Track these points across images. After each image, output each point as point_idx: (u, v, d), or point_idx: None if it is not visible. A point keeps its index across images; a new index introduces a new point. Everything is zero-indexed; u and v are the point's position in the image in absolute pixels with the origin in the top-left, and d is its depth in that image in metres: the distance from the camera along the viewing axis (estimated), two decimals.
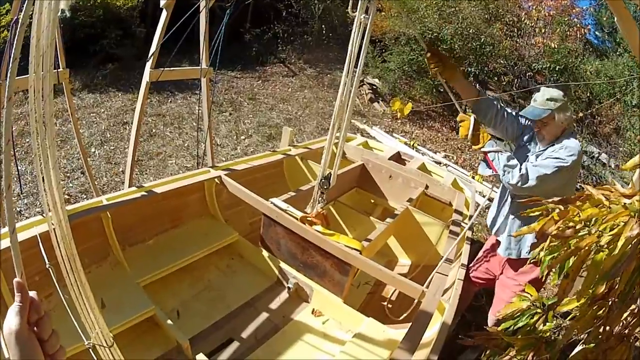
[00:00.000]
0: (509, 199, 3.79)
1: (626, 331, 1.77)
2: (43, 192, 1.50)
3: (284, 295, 3.83)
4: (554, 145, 3.53)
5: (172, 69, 4.98)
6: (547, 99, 3.50)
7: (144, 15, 13.16)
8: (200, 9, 4.73)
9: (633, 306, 1.67)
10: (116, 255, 3.51)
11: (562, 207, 1.77)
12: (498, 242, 3.95)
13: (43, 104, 1.41)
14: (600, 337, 1.79)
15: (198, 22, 4.77)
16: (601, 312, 1.73)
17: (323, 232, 3.55)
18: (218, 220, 4.41)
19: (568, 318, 1.95)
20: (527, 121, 3.84)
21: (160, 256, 3.65)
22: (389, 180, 5.43)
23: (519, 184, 3.31)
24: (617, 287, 1.62)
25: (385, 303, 3.99)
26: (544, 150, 3.59)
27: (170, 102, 10.99)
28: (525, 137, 3.87)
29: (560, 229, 1.71)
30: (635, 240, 1.47)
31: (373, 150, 6.35)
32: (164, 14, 4.49)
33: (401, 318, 3.51)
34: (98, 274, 3.34)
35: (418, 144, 11.06)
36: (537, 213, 1.87)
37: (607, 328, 1.75)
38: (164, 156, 8.27)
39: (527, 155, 3.73)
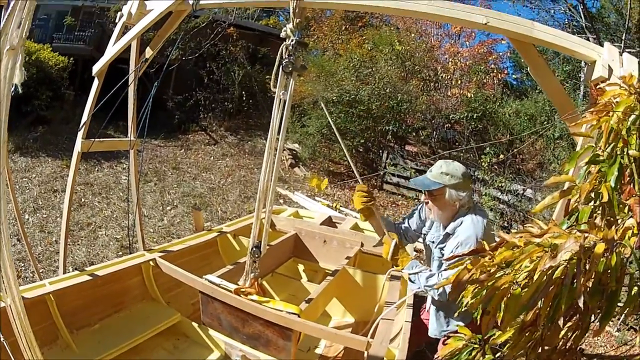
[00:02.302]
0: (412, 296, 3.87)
1: (568, 344, 1.91)
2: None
3: None
4: (449, 238, 3.50)
5: (102, 140, 4.95)
6: (442, 172, 3.45)
7: (73, 76, 13.06)
8: (129, 83, 4.76)
9: (570, 323, 1.79)
10: (65, 339, 3.46)
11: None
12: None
13: None
14: (540, 355, 1.93)
15: (126, 93, 4.79)
16: (534, 336, 1.88)
17: (259, 300, 3.55)
18: (159, 303, 4.37)
19: (506, 347, 2.03)
20: (426, 212, 3.86)
21: (107, 339, 3.60)
22: (324, 245, 5.48)
23: (442, 298, 3.33)
24: (541, 314, 1.75)
25: None
26: (445, 241, 3.56)
27: (98, 170, 10.96)
28: (427, 226, 3.91)
29: (474, 275, 1.87)
30: (549, 271, 1.65)
31: (304, 219, 6.44)
32: (95, 83, 4.52)
33: None
34: (50, 355, 3.29)
35: (341, 206, 11.19)
36: (456, 269, 1.99)
37: (546, 347, 1.89)
38: (94, 227, 8.18)
39: (432, 242, 3.78)
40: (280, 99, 3.34)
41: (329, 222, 6.35)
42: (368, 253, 5.37)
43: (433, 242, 3.76)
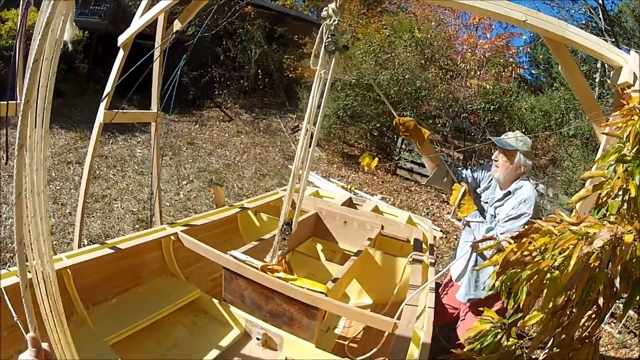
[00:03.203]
0: (470, 250, 3.95)
1: (587, 333, 2.03)
2: (29, 243, 1.43)
3: (254, 347, 3.72)
4: (509, 197, 3.78)
5: (125, 111, 4.90)
6: (517, 139, 3.76)
7: (87, 50, 13.06)
8: (155, 57, 4.69)
9: (590, 312, 1.91)
10: (80, 314, 3.37)
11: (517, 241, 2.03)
12: (456, 288, 4.19)
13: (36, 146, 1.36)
14: (562, 342, 2.04)
15: (151, 66, 4.72)
16: (562, 321, 1.99)
17: (286, 277, 3.52)
18: (179, 278, 4.30)
19: (530, 332, 2.21)
20: (482, 174, 4.17)
21: (124, 315, 3.52)
22: (344, 226, 5.45)
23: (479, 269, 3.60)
24: (573, 298, 1.87)
25: (347, 342, 4.02)
26: (502, 201, 3.84)
27: (112, 143, 10.99)
28: (483, 186, 4.15)
29: (519, 257, 1.98)
30: (585, 257, 1.79)
31: (324, 199, 6.41)
32: (120, 53, 4.45)
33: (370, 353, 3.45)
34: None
35: (355, 188, 11.16)
36: (493, 250, 2.19)
37: (568, 335, 2.00)
38: (109, 199, 8.15)
39: (486, 203, 4.04)
40: (321, 78, 3.31)
41: (350, 203, 6.33)
42: (388, 236, 5.36)
43: (487, 202, 4.07)
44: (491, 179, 4.10)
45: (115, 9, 15.41)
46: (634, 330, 6.63)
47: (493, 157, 3.98)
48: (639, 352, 6.12)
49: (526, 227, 3.40)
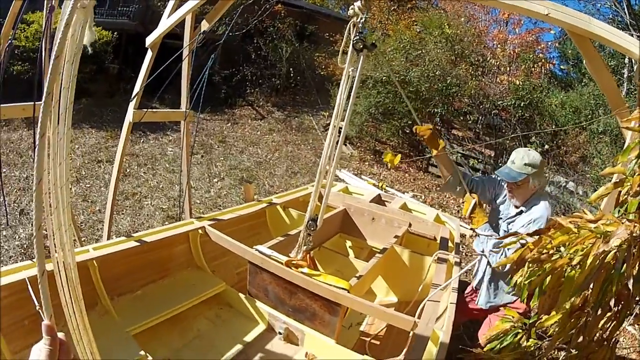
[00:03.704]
0: (480, 259, 4.08)
1: (605, 335, 1.98)
2: (51, 233, 1.48)
3: (276, 341, 3.75)
4: (522, 212, 3.77)
5: (155, 110, 4.99)
6: (525, 164, 3.69)
7: (117, 50, 13.24)
8: (184, 57, 4.75)
9: (609, 313, 1.87)
10: (104, 305, 3.44)
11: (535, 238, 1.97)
12: (477, 294, 4.19)
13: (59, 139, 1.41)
14: (580, 344, 1.99)
15: (180, 65, 4.78)
16: (580, 322, 1.94)
17: (309, 273, 3.52)
18: (205, 271, 4.35)
19: (549, 333, 2.14)
20: (499, 187, 4.13)
21: (148, 306, 3.58)
22: (372, 223, 5.45)
23: (499, 268, 3.60)
24: (590, 298, 1.83)
25: (368, 339, 4.04)
26: (514, 217, 3.84)
27: (143, 142, 11.10)
28: (498, 200, 4.13)
29: (536, 255, 1.92)
30: (602, 256, 1.72)
31: (353, 195, 6.40)
32: (149, 54, 4.51)
33: (402, 355, 3.43)
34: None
35: (386, 185, 11.15)
36: (513, 247, 2.09)
37: (587, 336, 1.95)
38: (139, 197, 8.25)
39: (500, 218, 4.05)
40: (349, 76, 3.33)
41: (378, 200, 6.33)
42: (415, 234, 5.37)
43: (501, 218, 4.04)
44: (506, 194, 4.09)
45: (144, 10, 15.56)
46: None
47: (506, 188, 3.96)
48: None
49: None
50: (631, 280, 1.64)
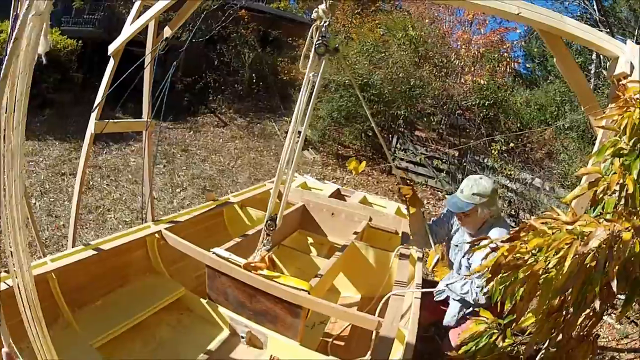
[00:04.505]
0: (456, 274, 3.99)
1: (584, 332, 2.01)
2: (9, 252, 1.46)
3: (240, 346, 3.72)
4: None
5: (117, 121, 4.92)
6: (474, 194, 3.71)
7: (82, 59, 13.11)
8: (146, 64, 4.71)
9: (587, 310, 1.88)
10: (66, 318, 3.37)
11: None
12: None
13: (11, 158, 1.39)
14: (559, 342, 2.00)
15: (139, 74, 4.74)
16: (558, 322, 1.94)
17: (269, 275, 3.50)
18: (163, 276, 4.29)
19: (526, 333, 2.13)
20: (452, 213, 4.12)
21: (109, 316, 3.52)
22: (331, 218, 5.46)
23: (476, 302, 3.54)
24: (569, 299, 1.84)
25: (331, 340, 4.07)
26: (471, 252, 3.74)
27: (106, 153, 10.97)
28: (453, 230, 4.19)
29: (511, 261, 1.91)
30: (580, 258, 1.72)
31: (312, 190, 6.41)
32: (111, 63, 4.45)
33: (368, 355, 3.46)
34: (50, 337, 3.22)
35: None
36: (486, 251, 2.09)
37: (566, 334, 1.97)
38: (102, 210, 8.13)
39: (456, 246, 4.09)
40: (310, 80, 3.34)
41: (338, 194, 6.37)
42: (376, 228, 5.38)
43: (457, 245, 4.06)
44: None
45: (109, 17, 15.42)
46: (635, 320, 6.64)
47: (456, 218, 4.02)
48: None
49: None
50: (615, 281, 1.65)
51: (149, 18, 4.14)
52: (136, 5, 4.31)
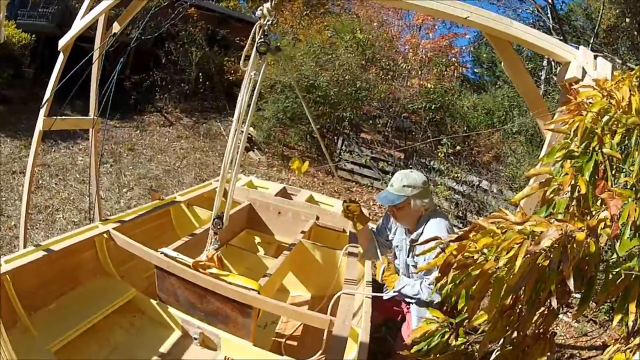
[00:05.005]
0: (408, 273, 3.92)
1: (541, 330, 2.01)
2: None
3: (192, 347, 3.71)
4: (416, 241, 3.64)
5: (64, 117, 4.84)
6: (404, 185, 3.60)
7: (34, 54, 12.85)
8: (94, 59, 4.66)
9: (542, 308, 1.89)
10: (23, 322, 3.34)
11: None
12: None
13: None
14: (515, 340, 2.02)
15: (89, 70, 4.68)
16: (512, 319, 1.95)
17: (218, 273, 3.49)
18: (114, 278, 4.25)
19: (479, 331, 2.13)
20: (390, 220, 4.06)
21: (63, 319, 3.49)
22: (278, 217, 5.50)
23: (430, 301, 3.40)
24: (522, 297, 1.84)
25: (284, 340, 4.06)
26: (412, 248, 3.73)
27: (54, 151, 10.77)
28: (392, 234, 4.08)
29: (460, 260, 1.91)
30: (532, 258, 1.72)
31: (258, 189, 6.45)
32: (60, 58, 4.38)
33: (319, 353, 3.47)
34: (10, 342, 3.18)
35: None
36: (435, 251, 2.07)
37: (521, 332, 1.98)
38: (51, 210, 8.01)
39: (397, 246, 4.00)
40: (251, 79, 3.36)
41: (284, 193, 6.41)
42: (323, 226, 5.45)
43: (397, 246, 3.96)
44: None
45: (63, 11, 15.05)
46: (594, 319, 6.82)
47: (392, 220, 3.92)
48: (600, 339, 6.28)
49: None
50: (571, 280, 1.63)
51: (99, 12, 4.09)
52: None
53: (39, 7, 14.72)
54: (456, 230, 3.28)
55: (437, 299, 3.34)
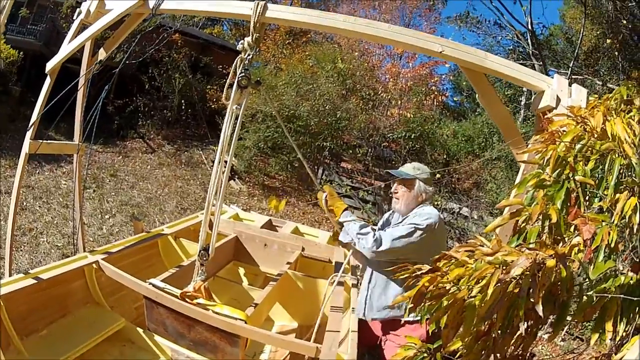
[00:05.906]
0: (374, 275, 3.87)
1: (519, 352, 2.07)
2: None
3: None
4: (407, 217, 3.68)
5: (50, 142, 4.88)
6: (414, 168, 3.77)
7: (20, 72, 12.88)
8: (79, 85, 4.71)
9: (519, 331, 1.87)
10: (16, 345, 3.36)
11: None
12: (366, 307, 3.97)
13: None
14: None
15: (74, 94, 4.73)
16: (487, 344, 2.01)
17: (205, 304, 3.52)
18: (103, 307, 4.26)
19: (457, 356, 2.15)
20: (387, 219, 4.16)
21: (55, 347, 3.50)
22: (264, 249, 5.52)
23: (374, 247, 3.38)
24: (496, 323, 1.91)
25: None
26: (401, 221, 3.74)
27: (39, 173, 10.80)
28: (390, 226, 3.98)
29: (434, 291, 2.00)
30: (503, 286, 1.80)
31: (244, 222, 6.47)
32: (47, 81, 4.43)
33: None
34: None
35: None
36: (405, 275, 2.14)
37: (498, 354, 2.03)
38: (35, 232, 8.03)
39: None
40: (233, 112, 3.39)
41: (269, 225, 6.43)
42: (309, 257, 5.48)
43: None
44: (393, 212, 4.09)
45: (51, 30, 15.02)
46: (579, 336, 6.91)
47: (392, 190, 3.91)
48: (588, 355, 6.31)
49: (412, 235, 3.40)
50: (540, 306, 1.70)
51: (85, 38, 4.18)
52: (75, 23, 4.33)
53: (27, 23, 14.71)
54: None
55: (371, 247, 3.38)
